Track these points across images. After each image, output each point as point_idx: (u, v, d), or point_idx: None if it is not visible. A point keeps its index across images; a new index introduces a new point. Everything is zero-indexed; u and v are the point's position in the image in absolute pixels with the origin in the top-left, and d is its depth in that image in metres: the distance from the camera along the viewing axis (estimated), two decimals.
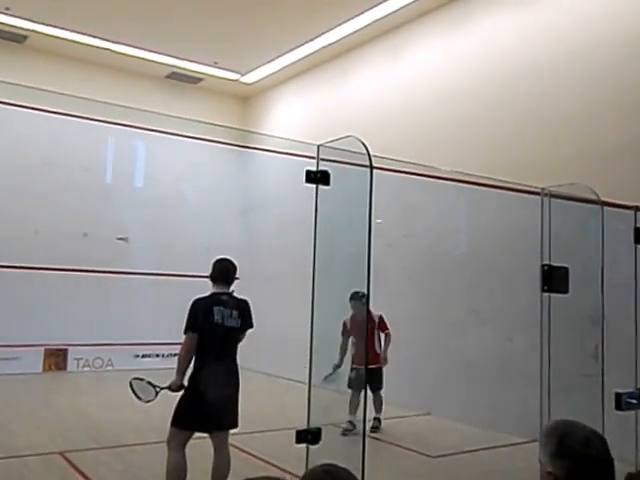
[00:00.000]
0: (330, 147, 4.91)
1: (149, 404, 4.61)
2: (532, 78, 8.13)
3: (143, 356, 12.14)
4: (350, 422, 6.89)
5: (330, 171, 4.83)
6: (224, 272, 4.68)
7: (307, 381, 4.84)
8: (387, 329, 7.70)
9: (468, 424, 7.89)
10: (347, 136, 4.77)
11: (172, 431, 4.50)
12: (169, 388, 4.43)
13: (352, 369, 7.07)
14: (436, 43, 9.61)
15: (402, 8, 9.52)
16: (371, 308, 7.47)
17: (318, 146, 4.86)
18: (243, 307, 4.65)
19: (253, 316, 4.74)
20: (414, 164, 8.00)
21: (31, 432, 7.03)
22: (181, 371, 4.43)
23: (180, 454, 4.45)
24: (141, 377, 4.62)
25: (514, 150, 8.22)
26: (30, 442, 6.55)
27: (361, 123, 10.58)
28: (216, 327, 4.44)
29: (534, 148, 7.99)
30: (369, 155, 4.65)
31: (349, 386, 6.80)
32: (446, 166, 8.30)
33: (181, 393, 4.49)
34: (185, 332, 4.44)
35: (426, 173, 8.40)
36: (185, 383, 4.45)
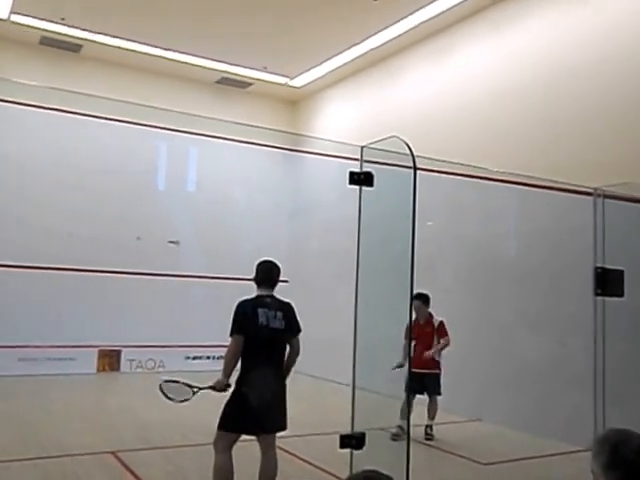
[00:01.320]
0: (374, 148, 4.87)
1: (184, 404, 4.58)
2: (582, 76, 7.91)
3: (194, 358, 12.30)
4: (400, 427, 6.82)
5: (374, 172, 4.78)
6: (268, 274, 4.68)
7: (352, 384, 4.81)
8: (446, 335, 7.48)
9: (519, 430, 7.72)
10: (391, 137, 4.72)
11: (219, 434, 4.51)
12: (213, 388, 4.42)
13: (410, 372, 7.02)
14: (483, 43, 9.45)
15: (449, 9, 9.41)
16: (432, 312, 7.49)
17: (362, 147, 4.82)
18: (287, 309, 4.63)
19: (299, 319, 4.70)
20: (462, 165, 7.87)
21: (85, 431, 7.18)
22: (227, 373, 4.42)
23: (226, 456, 4.46)
24: (175, 379, 4.64)
25: (565, 150, 8.00)
26: (84, 441, 6.68)
27: (409, 125, 10.48)
28: (261, 329, 4.43)
29: (586, 147, 7.75)
30: (412, 155, 4.59)
31: (405, 390, 6.70)
32: (496, 167, 8.14)
33: (228, 395, 4.48)
34: (231, 335, 4.44)
35: (475, 174, 8.27)
36: (231, 384, 4.45)
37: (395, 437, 6.56)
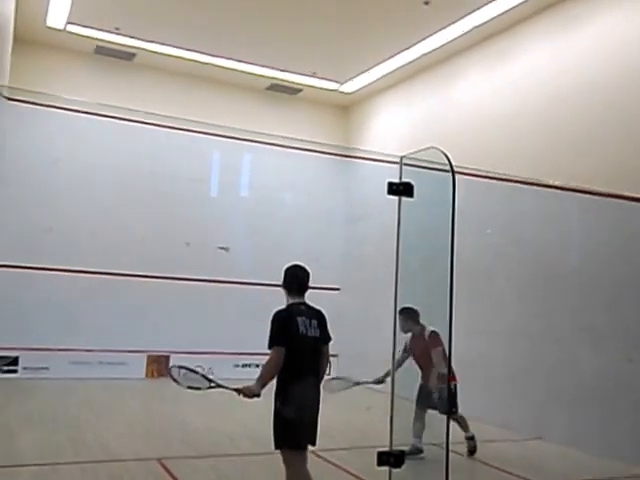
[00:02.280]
0: (413, 158, 4.76)
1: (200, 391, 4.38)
2: None
3: (243, 365, 12.22)
4: (414, 446, 6.32)
5: (414, 182, 4.65)
6: (300, 280, 4.49)
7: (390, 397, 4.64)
8: (438, 346, 6.34)
9: (582, 450, 7.32)
10: (429, 147, 4.61)
11: (290, 452, 4.21)
12: (238, 391, 4.13)
13: (420, 386, 6.72)
14: (542, 47, 9.10)
15: (505, 12, 9.12)
16: (425, 323, 6.75)
17: (401, 158, 4.70)
18: (320, 317, 4.43)
19: (328, 327, 4.47)
20: (517, 176, 7.63)
21: (131, 437, 7.17)
22: (263, 384, 4.14)
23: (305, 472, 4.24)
24: (194, 369, 4.46)
25: (629, 156, 7.60)
26: (131, 447, 6.67)
27: (463, 130, 10.24)
28: (302, 338, 4.23)
29: None
30: (450, 164, 4.47)
31: (416, 404, 6.47)
32: (557, 174, 7.83)
33: (273, 410, 4.24)
34: (271, 346, 4.18)
35: (533, 182, 7.98)
36: (261, 394, 4.16)
37: (409, 456, 6.00)
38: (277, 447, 4.17)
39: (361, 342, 11.06)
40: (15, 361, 10.75)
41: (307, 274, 4.52)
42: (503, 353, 8.81)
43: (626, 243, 7.38)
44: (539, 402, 8.21)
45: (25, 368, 10.78)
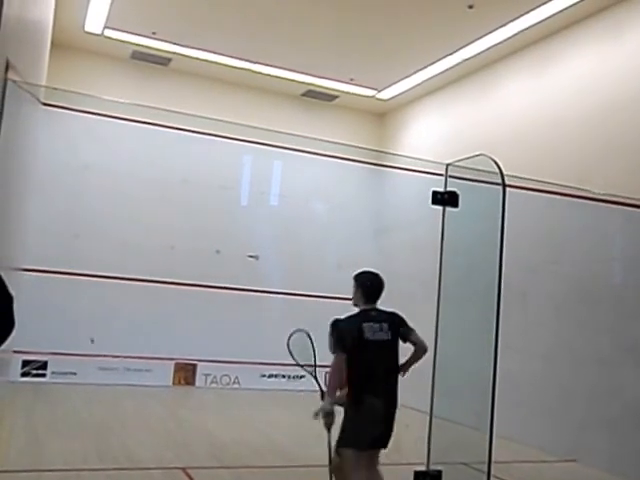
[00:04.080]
0: (460, 166, 4.56)
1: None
2: None
3: (269, 376, 12.07)
4: None
5: (459, 192, 4.45)
6: (372, 289, 4.57)
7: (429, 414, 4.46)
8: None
9: (619, 476, 6.97)
10: (478, 154, 4.39)
11: (352, 452, 4.25)
12: (317, 414, 4.26)
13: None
14: (588, 53, 8.78)
15: (550, 17, 8.81)
16: None
17: (447, 165, 4.51)
18: (392, 319, 4.47)
19: (408, 323, 4.50)
20: (559, 185, 7.34)
21: (157, 445, 7.07)
22: (331, 393, 4.25)
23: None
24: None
25: None
26: (155, 455, 6.59)
27: (502, 140, 9.97)
28: (367, 344, 4.28)
29: None
30: (501, 173, 4.25)
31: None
32: (601, 185, 7.52)
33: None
34: (334, 352, 4.31)
35: (575, 194, 7.69)
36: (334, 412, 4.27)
37: None
38: (338, 447, 4.27)
39: None
40: (44, 365, 10.75)
41: (379, 280, 4.62)
42: (540, 372, 8.50)
43: None
44: (577, 424, 7.87)
45: (54, 373, 10.76)
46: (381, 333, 4.33)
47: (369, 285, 4.55)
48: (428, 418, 4.64)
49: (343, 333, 4.30)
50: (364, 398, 4.23)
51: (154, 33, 10.74)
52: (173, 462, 6.31)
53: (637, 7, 8.11)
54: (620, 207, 7.27)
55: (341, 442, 4.26)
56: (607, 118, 8.28)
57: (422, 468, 4.31)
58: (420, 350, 4.45)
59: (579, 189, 7.39)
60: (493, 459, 5.16)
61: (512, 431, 7.65)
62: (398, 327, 4.45)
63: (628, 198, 7.05)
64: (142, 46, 11.18)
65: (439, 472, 4.18)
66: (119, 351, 11.03)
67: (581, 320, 8.07)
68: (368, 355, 4.27)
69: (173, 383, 11.54)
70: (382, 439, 4.29)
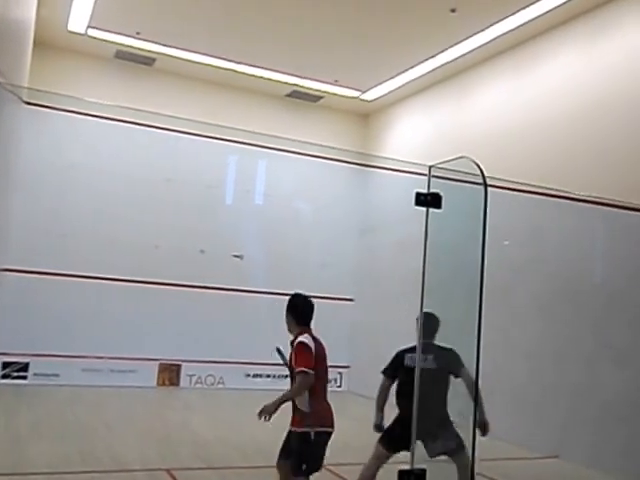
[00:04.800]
0: (442, 168, 4.61)
1: None
2: None
3: (254, 376, 12.07)
4: None
5: (442, 193, 4.50)
6: (429, 327, 4.84)
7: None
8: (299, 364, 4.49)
9: (600, 470, 7.10)
10: (460, 157, 4.45)
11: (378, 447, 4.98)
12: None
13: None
14: (569, 56, 8.90)
15: (531, 21, 8.93)
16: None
17: (430, 167, 4.56)
18: (441, 353, 4.83)
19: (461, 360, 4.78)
20: (539, 186, 7.44)
21: (141, 446, 7.04)
22: (377, 409, 5.03)
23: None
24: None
25: None
26: (140, 456, 6.56)
27: (485, 140, 10.06)
28: (407, 371, 4.68)
29: None
30: (483, 176, 4.29)
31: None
32: (577, 187, 7.63)
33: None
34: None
35: (558, 194, 7.79)
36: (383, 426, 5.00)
37: None
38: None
39: (375, 354, 10.87)
40: (25, 367, 10.65)
41: (438, 320, 5.02)
42: (523, 370, 8.60)
43: None
44: (558, 420, 7.98)
45: (35, 374, 10.67)
46: (421, 363, 4.69)
47: (424, 324, 4.67)
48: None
49: (392, 359, 5.17)
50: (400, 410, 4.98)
51: (138, 33, 10.69)
52: (157, 463, 6.29)
53: (616, 10, 8.24)
54: (601, 208, 7.37)
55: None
56: (589, 120, 8.40)
57: (406, 467, 4.31)
58: (467, 385, 4.86)
59: (561, 190, 7.48)
60: (477, 457, 5.22)
61: (496, 429, 7.69)
62: (443, 358, 4.95)
63: (609, 199, 7.15)
64: (126, 46, 11.13)
65: (423, 470, 4.17)
66: (103, 352, 10.98)
67: (564, 318, 8.18)
68: (405, 380, 4.82)
69: (157, 384, 11.50)
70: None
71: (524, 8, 8.67)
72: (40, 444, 6.68)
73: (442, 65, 10.72)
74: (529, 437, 8.17)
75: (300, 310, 4.58)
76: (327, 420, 4.36)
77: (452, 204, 4.66)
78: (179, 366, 11.65)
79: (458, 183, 4.91)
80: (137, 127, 11.25)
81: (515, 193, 8.07)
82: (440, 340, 6.53)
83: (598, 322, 7.71)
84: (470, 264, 4.39)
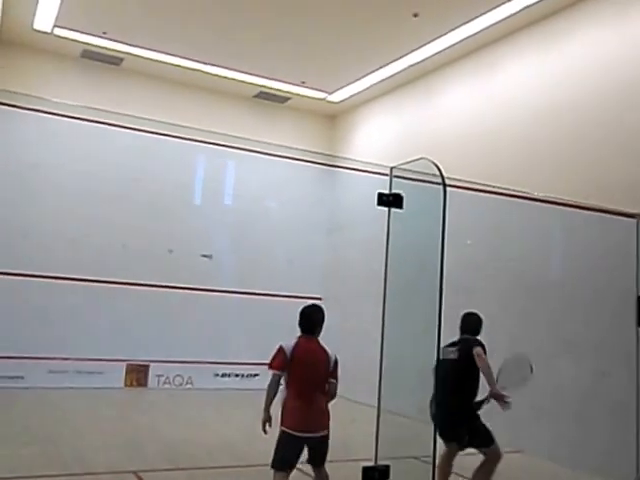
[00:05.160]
0: (403, 169, 4.72)
1: None
2: (628, 97, 7.54)
3: (223, 375, 12.08)
4: None
5: (404, 194, 4.61)
6: (466, 325, 5.79)
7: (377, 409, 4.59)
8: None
9: (561, 464, 7.28)
10: (420, 158, 4.57)
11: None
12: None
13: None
14: (528, 61, 9.14)
15: (492, 25, 9.14)
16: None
17: (391, 168, 4.66)
18: (463, 345, 5.58)
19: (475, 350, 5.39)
20: (500, 187, 7.60)
21: (108, 448, 7.00)
22: None
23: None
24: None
25: (609, 172, 7.65)
26: (106, 459, 6.52)
27: (448, 142, 10.24)
28: (440, 362, 5.02)
29: (630, 169, 7.38)
30: (442, 177, 4.44)
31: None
32: (540, 188, 7.82)
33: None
34: None
35: (514, 194, 7.97)
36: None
37: None
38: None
39: (343, 352, 10.96)
40: None
41: (479, 319, 5.85)
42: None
43: (608, 259, 7.38)
44: (521, 415, 8.15)
45: None
46: (449, 354, 5.49)
47: (464, 322, 5.70)
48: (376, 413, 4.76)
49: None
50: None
51: (105, 33, 10.62)
52: (125, 466, 6.25)
53: (574, 16, 8.49)
54: (558, 207, 7.56)
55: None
56: (547, 122, 8.63)
57: (370, 463, 4.41)
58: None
59: (520, 190, 7.65)
60: (441, 452, 5.35)
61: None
62: (465, 350, 5.53)
63: (565, 199, 7.34)
64: (93, 45, 11.05)
65: (387, 467, 4.29)
66: (69, 353, 10.87)
67: (523, 315, 8.38)
68: (440, 370, 5.13)
69: (125, 385, 11.42)
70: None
71: (485, 13, 8.87)
72: (3, 448, 6.59)
73: (407, 68, 10.88)
74: (493, 432, 8.32)
75: (300, 320, 4.78)
76: (301, 423, 4.50)
77: (414, 204, 4.78)
78: (147, 367, 11.59)
79: (420, 184, 5.03)
80: (104, 127, 11.16)
81: (477, 193, 8.23)
82: (404, 338, 6.66)
83: (555, 318, 7.93)
84: (431, 263, 4.52)
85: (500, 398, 5.38)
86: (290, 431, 4.43)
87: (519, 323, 8.41)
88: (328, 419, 4.57)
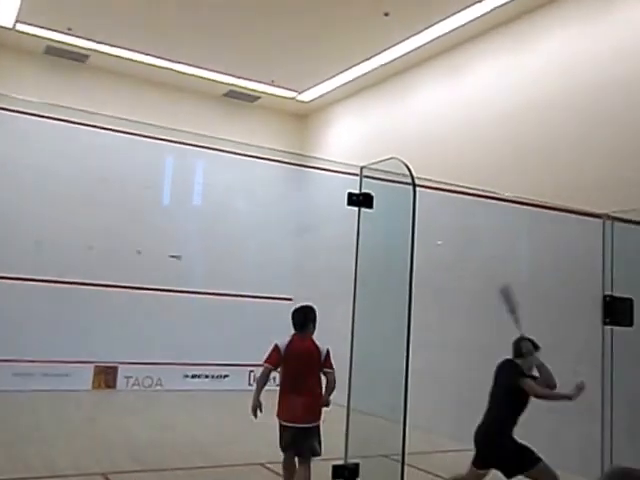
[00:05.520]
0: (373, 169, 4.75)
1: None
2: (598, 98, 7.70)
3: (192, 376, 12.00)
4: None
5: (374, 193, 4.63)
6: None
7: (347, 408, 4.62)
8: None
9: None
10: (390, 158, 4.60)
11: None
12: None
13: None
14: (497, 62, 9.27)
15: (462, 26, 9.25)
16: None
17: (361, 168, 4.68)
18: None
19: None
20: (468, 187, 7.69)
21: (76, 451, 6.91)
22: None
23: None
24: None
25: (577, 172, 7.80)
26: (74, 462, 6.42)
27: (418, 142, 10.32)
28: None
29: (597, 171, 7.54)
30: (412, 177, 4.47)
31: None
32: (508, 188, 7.92)
33: None
34: None
35: (483, 194, 8.07)
36: None
37: None
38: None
39: None
40: None
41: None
42: (454, 365, 8.86)
43: (574, 259, 7.50)
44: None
45: None
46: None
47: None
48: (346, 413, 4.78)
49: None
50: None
51: (69, 29, 10.46)
52: (93, 468, 6.19)
53: (542, 18, 8.64)
54: (525, 207, 7.67)
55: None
56: (516, 123, 8.76)
57: (340, 462, 4.44)
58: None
59: (489, 191, 7.74)
60: (410, 450, 5.39)
61: (429, 423, 7.95)
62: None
63: (532, 199, 7.45)
64: (57, 42, 10.88)
65: (356, 465, 4.32)
66: (35, 356, 10.67)
67: (490, 315, 8.47)
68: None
69: (93, 387, 11.28)
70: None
71: (455, 14, 8.97)
72: None
73: (377, 67, 10.93)
74: (460, 430, 8.41)
75: (293, 319, 5.25)
76: (289, 414, 4.97)
77: (384, 204, 4.80)
78: (115, 368, 11.45)
79: (390, 184, 5.06)
80: (69, 125, 10.97)
81: (446, 194, 8.31)
82: (373, 338, 6.69)
83: (525, 318, 8.02)
84: (401, 263, 4.54)
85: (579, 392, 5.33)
86: (280, 420, 4.97)
87: (486, 324, 8.50)
88: (315, 414, 4.99)
